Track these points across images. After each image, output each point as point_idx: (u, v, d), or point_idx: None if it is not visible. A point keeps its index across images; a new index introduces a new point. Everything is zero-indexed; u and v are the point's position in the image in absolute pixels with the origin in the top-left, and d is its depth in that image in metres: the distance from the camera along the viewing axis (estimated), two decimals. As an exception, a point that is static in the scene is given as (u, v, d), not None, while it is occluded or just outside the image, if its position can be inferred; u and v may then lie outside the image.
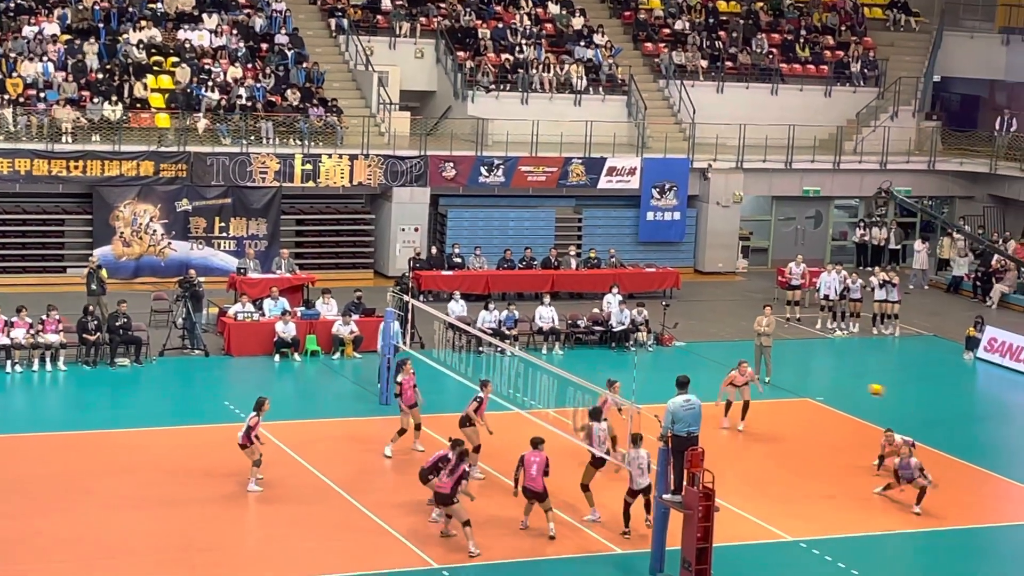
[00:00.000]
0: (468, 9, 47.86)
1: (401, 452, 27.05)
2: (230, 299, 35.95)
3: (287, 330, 33.75)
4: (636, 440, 23.50)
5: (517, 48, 46.95)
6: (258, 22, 44.94)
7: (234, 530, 23.43)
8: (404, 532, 23.30)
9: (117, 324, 32.46)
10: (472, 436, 25.79)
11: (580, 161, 43.67)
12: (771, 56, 49.87)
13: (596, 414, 24.65)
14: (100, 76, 40.93)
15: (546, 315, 35.85)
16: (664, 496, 21.86)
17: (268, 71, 43.02)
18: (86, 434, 27.84)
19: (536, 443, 23.40)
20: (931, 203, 49.02)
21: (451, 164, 42.37)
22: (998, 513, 26.69)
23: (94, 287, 34.37)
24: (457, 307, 35.66)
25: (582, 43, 47.80)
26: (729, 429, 29.58)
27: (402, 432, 27.00)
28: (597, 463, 24.37)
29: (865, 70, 50.68)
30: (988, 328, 37.52)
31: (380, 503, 24.50)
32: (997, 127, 49.12)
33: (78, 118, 39.47)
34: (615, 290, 37.36)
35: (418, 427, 27.24)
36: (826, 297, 39.57)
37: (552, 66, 46.53)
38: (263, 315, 34.49)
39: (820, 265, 43.02)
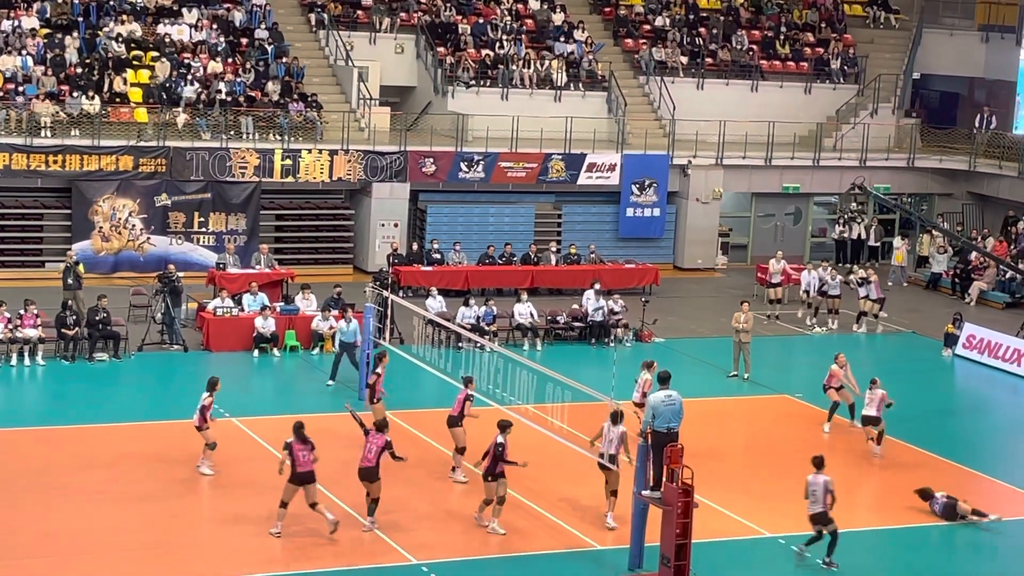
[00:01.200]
0: (448, 4, 47.80)
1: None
2: (209, 294, 35.87)
3: (266, 325, 33.70)
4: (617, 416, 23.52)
5: (497, 44, 46.93)
6: (238, 17, 44.84)
7: (212, 525, 23.38)
8: (383, 528, 23.27)
9: (96, 319, 32.37)
10: (459, 436, 25.70)
11: (560, 157, 43.67)
12: (751, 53, 49.93)
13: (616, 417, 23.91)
14: (79, 70, 40.80)
15: (524, 312, 35.85)
16: (643, 492, 21.88)
17: (248, 66, 42.93)
18: (64, 429, 27.76)
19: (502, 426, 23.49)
20: (910, 200, 49.14)
21: (431, 159, 42.34)
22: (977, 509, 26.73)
23: (70, 281, 34.24)
24: (435, 303, 35.64)
25: (562, 39, 47.80)
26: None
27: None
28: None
29: (845, 67, 50.78)
30: (967, 325, 37.65)
31: (359, 499, 24.46)
32: (977, 124, 49.26)
33: (57, 112, 39.34)
34: (597, 286, 37.34)
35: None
36: (807, 292, 39.66)
37: (532, 62, 46.51)
38: (242, 310, 34.43)
39: (800, 262, 43.09)
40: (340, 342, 31.75)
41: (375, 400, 26.98)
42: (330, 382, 31.31)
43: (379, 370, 27.28)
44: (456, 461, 25.64)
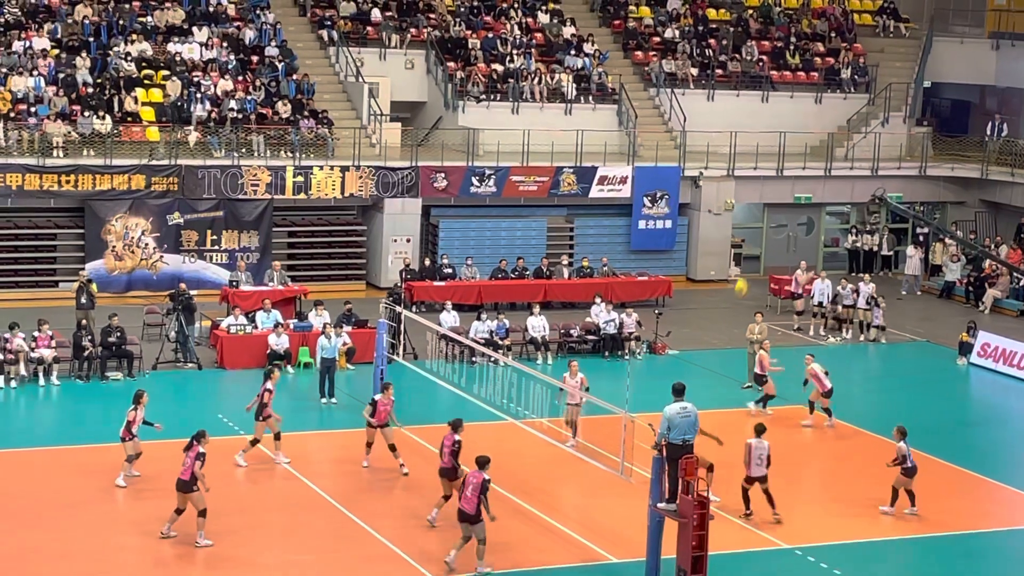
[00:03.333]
0: (458, 20, 47.89)
1: (390, 468, 26.96)
2: (223, 312, 35.91)
3: (280, 342, 33.72)
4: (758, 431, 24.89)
5: (507, 58, 46.99)
6: (248, 34, 44.95)
7: (228, 543, 23.35)
8: (399, 544, 23.26)
9: (110, 339, 32.41)
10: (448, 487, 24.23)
11: (571, 170, 43.68)
12: (761, 63, 49.94)
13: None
14: (90, 90, 40.92)
15: (537, 325, 35.84)
16: (659, 505, 21.84)
17: (258, 83, 43.02)
18: (80, 448, 27.78)
19: (481, 463, 22.13)
20: (923, 209, 49.08)
21: (442, 174, 42.37)
22: (994, 518, 26.66)
23: (83, 300, 34.35)
24: (449, 318, 35.65)
25: (572, 52, 47.84)
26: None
27: (370, 445, 26.86)
28: None
29: (855, 76, 50.76)
30: (981, 333, 37.57)
31: (374, 514, 24.46)
32: (988, 132, 49.22)
33: (69, 132, 39.45)
34: (598, 299, 37.34)
35: (392, 448, 26.63)
36: (820, 304, 39.60)
37: (542, 75, 46.56)
38: (256, 328, 34.46)
39: (815, 272, 43.07)
40: (322, 358, 31.73)
41: (383, 425, 26.61)
42: (324, 400, 31.26)
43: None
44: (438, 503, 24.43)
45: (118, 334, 32.53)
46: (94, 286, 35.18)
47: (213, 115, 41.34)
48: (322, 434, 29.47)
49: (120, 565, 22.18)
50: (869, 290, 39.31)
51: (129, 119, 40.63)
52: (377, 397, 26.74)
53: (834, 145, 48.10)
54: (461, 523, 22.20)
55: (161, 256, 39.89)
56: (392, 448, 26.54)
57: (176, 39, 43.75)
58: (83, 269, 36.93)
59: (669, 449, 21.74)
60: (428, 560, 22.63)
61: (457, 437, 23.69)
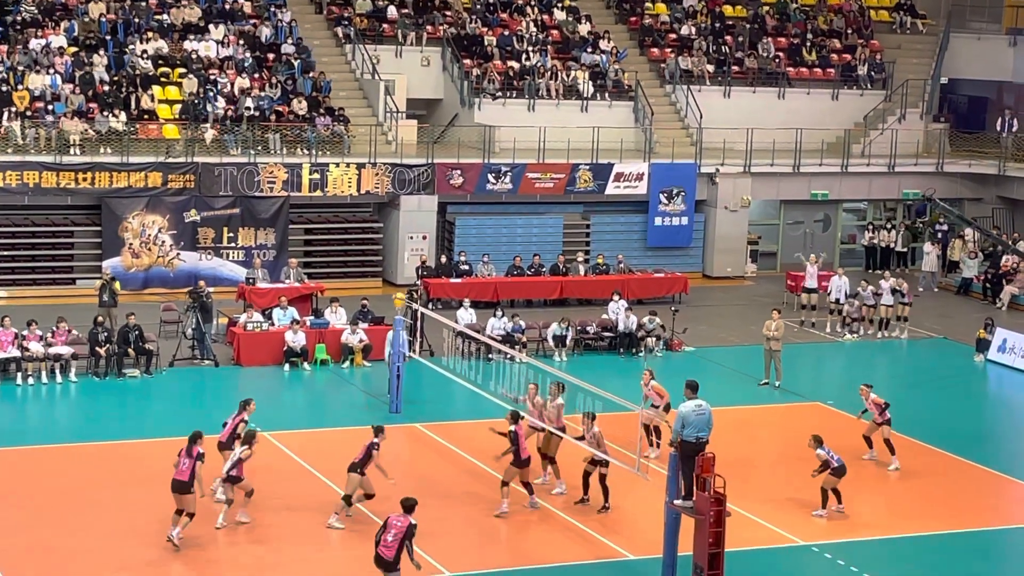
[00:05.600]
0: (474, 17, 47.89)
1: (412, 457, 27.00)
2: (239, 309, 35.98)
3: (296, 339, 33.77)
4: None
5: (523, 55, 46.97)
6: (264, 32, 45.00)
7: (246, 540, 23.39)
8: (415, 541, 23.23)
9: (130, 338, 32.47)
10: (353, 483, 23.89)
11: (587, 167, 43.66)
12: (777, 60, 49.86)
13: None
14: (107, 88, 41.00)
15: (555, 329, 35.59)
16: (675, 502, 21.82)
17: (275, 81, 43.06)
18: (98, 445, 27.86)
19: (407, 506, 20.66)
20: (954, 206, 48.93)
21: (458, 172, 42.38)
22: (1012, 515, 26.61)
23: (106, 298, 34.50)
24: (466, 315, 35.65)
25: (588, 49, 47.81)
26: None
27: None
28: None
29: (872, 73, 50.65)
30: (999, 330, 37.46)
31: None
32: (999, 127, 49.10)
33: (86, 130, 39.54)
34: (616, 297, 37.31)
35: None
36: (836, 301, 39.52)
37: (558, 72, 46.53)
38: (272, 325, 34.51)
39: (831, 269, 42.98)
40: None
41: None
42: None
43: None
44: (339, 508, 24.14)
45: (136, 332, 32.60)
46: (117, 284, 35.33)
47: (229, 113, 41.39)
48: (340, 431, 29.43)
49: (137, 561, 22.21)
50: (891, 284, 39.18)
51: (146, 117, 40.71)
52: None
53: (851, 142, 48.00)
54: (380, 568, 20.34)
55: (178, 253, 39.96)
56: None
57: (192, 37, 43.82)
58: (105, 268, 37.01)
59: (683, 446, 21.73)
60: (437, 552, 22.65)
61: (375, 440, 23.78)
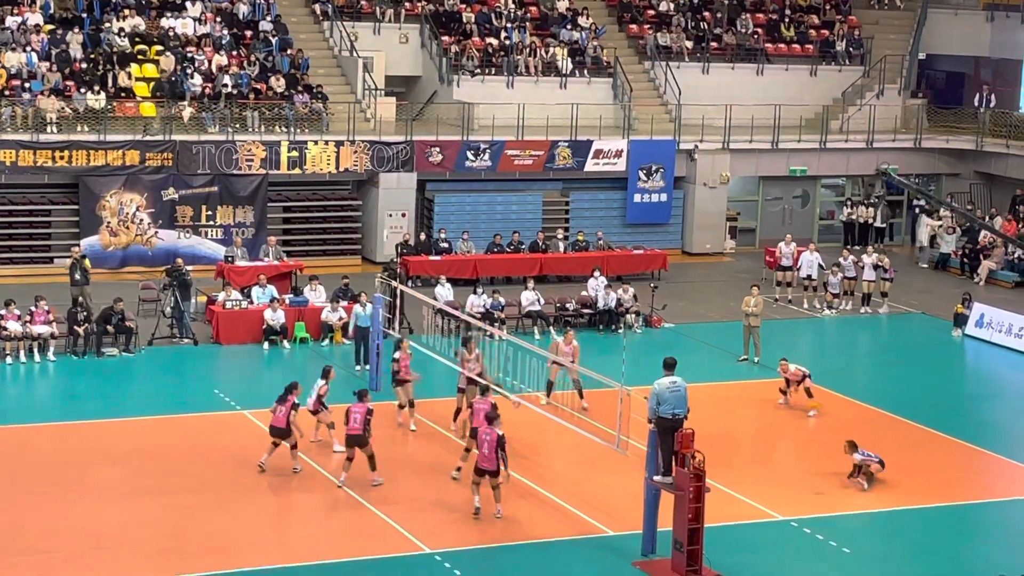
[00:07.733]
0: (452, -7, 47.76)
1: (393, 434, 27.04)
2: (218, 287, 35.90)
3: (276, 317, 33.73)
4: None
5: (502, 32, 46.88)
6: (242, 9, 44.80)
7: (225, 518, 23.39)
8: (396, 517, 23.31)
9: (112, 322, 32.37)
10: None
11: (566, 144, 43.64)
12: (756, 36, 49.84)
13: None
14: (84, 65, 40.82)
15: (530, 298, 35.79)
16: (655, 478, 21.89)
17: (252, 58, 42.91)
18: (77, 424, 27.81)
19: (491, 418, 23.50)
20: (918, 180, 49.06)
21: (437, 149, 42.32)
22: (989, 489, 26.73)
23: (77, 276, 34.32)
24: (444, 291, 35.64)
25: (567, 26, 47.74)
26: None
27: (402, 407, 27.78)
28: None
29: (850, 49, 50.69)
30: (976, 305, 37.60)
31: (371, 488, 24.49)
32: (976, 103, 49.20)
33: (63, 108, 39.37)
34: (597, 273, 37.34)
35: (411, 404, 27.48)
36: (808, 277, 39.57)
37: (537, 49, 46.46)
38: (251, 303, 34.46)
39: (806, 245, 43.04)
40: (357, 327, 31.90)
41: (404, 382, 27.81)
42: (359, 368, 31.49)
43: (396, 355, 27.88)
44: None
45: (119, 318, 32.48)
46: (87, 262, 35.14)
47: (207, 90, 41.25)
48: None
49: (116, 538, 22.19)
50: (873, 260, 39.26)
51: (123, 94, 40.54)
52: (397, 356, 27.76)
53: (829, 118, 48.05)
54: (482, 477, 23.21)
55: (156, 232, 39.85)
56: (411, 404, 27.79)
57: (169, 14, 43.61)
58: (76, 245, 36.87)
59: (659, 423, 21.78)
60: (418, 529, 22.71)
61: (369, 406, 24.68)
